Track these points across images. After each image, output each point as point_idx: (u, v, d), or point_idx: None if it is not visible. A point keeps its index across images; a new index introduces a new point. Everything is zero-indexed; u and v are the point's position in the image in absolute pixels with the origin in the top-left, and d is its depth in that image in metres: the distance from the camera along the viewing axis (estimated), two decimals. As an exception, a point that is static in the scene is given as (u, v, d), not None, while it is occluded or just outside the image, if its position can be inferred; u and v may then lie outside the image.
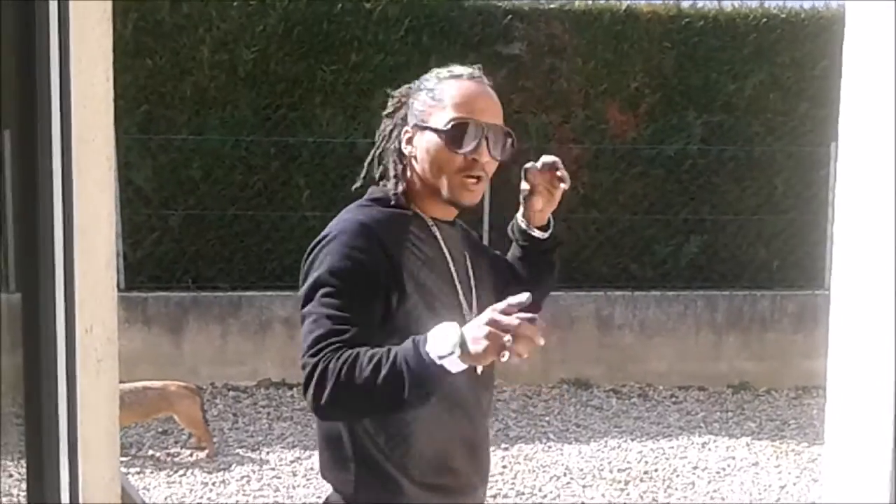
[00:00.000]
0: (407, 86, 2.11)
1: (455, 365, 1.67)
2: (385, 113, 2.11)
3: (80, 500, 1.57)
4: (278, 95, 8.09)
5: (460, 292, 2.03)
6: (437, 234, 2.04)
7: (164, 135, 7.97)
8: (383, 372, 1.70)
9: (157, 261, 7.99)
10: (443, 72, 2.05)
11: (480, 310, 1.84)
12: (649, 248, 8.56)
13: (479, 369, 1.79)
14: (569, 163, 9.21)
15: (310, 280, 1.90)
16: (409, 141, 2.02)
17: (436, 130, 1.97)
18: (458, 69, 2.06)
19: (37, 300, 1.43)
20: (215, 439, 6.33)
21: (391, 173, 2.05)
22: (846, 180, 1.72)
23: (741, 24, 8.57)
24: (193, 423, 6.13)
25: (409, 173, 2.04)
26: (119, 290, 7.48)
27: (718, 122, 8.59)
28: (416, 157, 2.01)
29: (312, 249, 1.97)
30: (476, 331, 1.65)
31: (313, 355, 1.79)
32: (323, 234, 1.99)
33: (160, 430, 6.56)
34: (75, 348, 1.51)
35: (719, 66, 8.55)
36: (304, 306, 1.89)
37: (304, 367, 1.80)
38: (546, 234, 2.29)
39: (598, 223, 8.50)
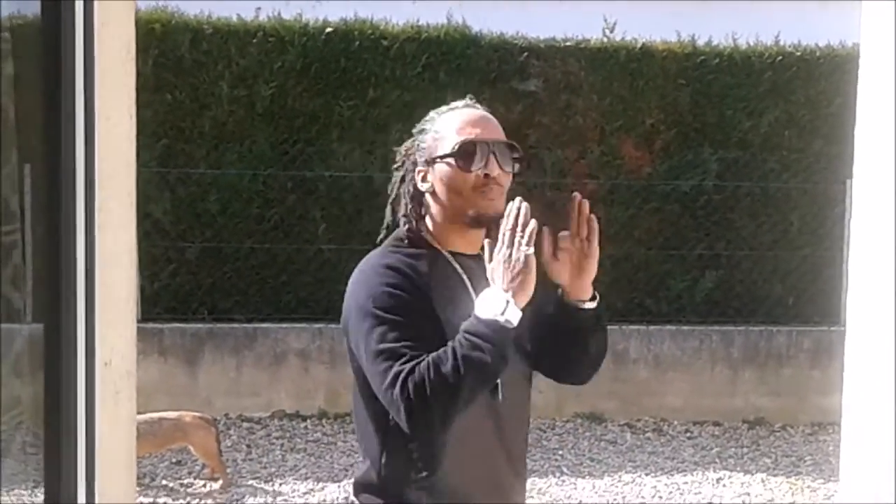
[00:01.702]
0: (410, 139, 2.20)
1: (514, 313, 1.92)
2: (394, 167, 2.22)
3: (97, 530, 1.59)
4: (296, 130, 8.16)
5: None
6: (458, 267, 2.10)
7: (183, 168, 8.04)
8: (462, 353, 1.89)
9: (174, 292, 8.04)
10: (441, 109, 2.17)
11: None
12: (664, 283, 8.56)
13: (500, 396, 2.03)
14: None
15: (353, 312, 2.06)
16: (424, 178, 2.11)
17: (446, 156, 2.08)
18: (453, 104, 2.18)
19: (58, 332, 1.46)
20: (229, 470, 6.34)
21: (404, 212, 2.14)
22: (860, 217, 1.74)
23: (756, 62, 8.60)
24: (208, 454, 6.14)
25: (426, 210, 2.13)
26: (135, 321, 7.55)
27: (734, 159, 8.60)
28: (432, 192, 2.10)
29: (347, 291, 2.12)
30: (500, 277, 1.94)
31: (402, 385, 1.91)
32: (361, 266, 2.12)
33: (174, 460, 6.57)
34: (94, 380, 1.54)
35: (734, 103, 8.58)
36: (352, 338, 2.07)
37: (393, 402, 1.92)
38: (590, 305, 2.26)
39: (614, 258, 8.50)
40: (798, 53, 8.64)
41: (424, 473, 2.03)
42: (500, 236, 1.96)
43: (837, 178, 7.96)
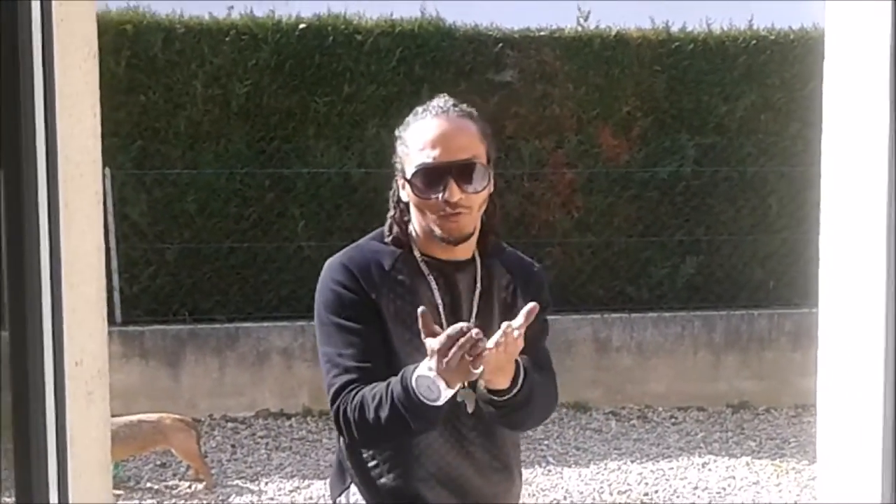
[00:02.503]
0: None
1: (443, 394, 1.84)
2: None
3: (73, 534, 1.57)
4: (272, 128, 8.13)
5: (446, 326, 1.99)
6: (427, 271, 2.08)
7: (159, 169, 8.00)
8: (386, 413, 1.89)
9: (154, 294, 8.00)
10: (417, 111, 2.09)
11: None
12: (645, 270, 8.58)
13: (470, 408, 2.05)
14: (563, 187, 9.26)
15: (317, 308, 2.09)
16: (403, 186, 2.10)
17: (407, 181, 2.04)
18: (424, 108, 2.08)
19: (24, 335, 1.44)
20: (214, 471, 6.31)
21: (391, 214, 2.14)
22: (830, 200, 1.74)
23: (731, 46, 8.62)
24: (190, 455, 6.12)
25: (409, 217, 2.12)
26: (116, 324, 7.53)
27: (711, 144, 8.63)
28: (404, 201, 2.11)
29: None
30: (434, 361, 1.81)
31: (332, 402, 1.99)
32: (328, 261, 2.15)
33: (158, 462, 6.55)
34: (64, 382, 1.52)
35: (710, 88, 8.60)
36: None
37: (331, 410, 2.01)
38: (503, 396, 2.01)
39: (594, 247, 8.52)
40: (772, 37, 8.67)
41: (376, 466, 2.10)
42: (446, 335, 1.80)
43: (814, 160, 7.96)
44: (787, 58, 8.58)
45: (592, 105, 8.49)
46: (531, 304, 1.84)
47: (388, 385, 1.91)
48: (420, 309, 1.84)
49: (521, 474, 2.28)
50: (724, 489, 6.13)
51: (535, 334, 2.15)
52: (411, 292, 2.05)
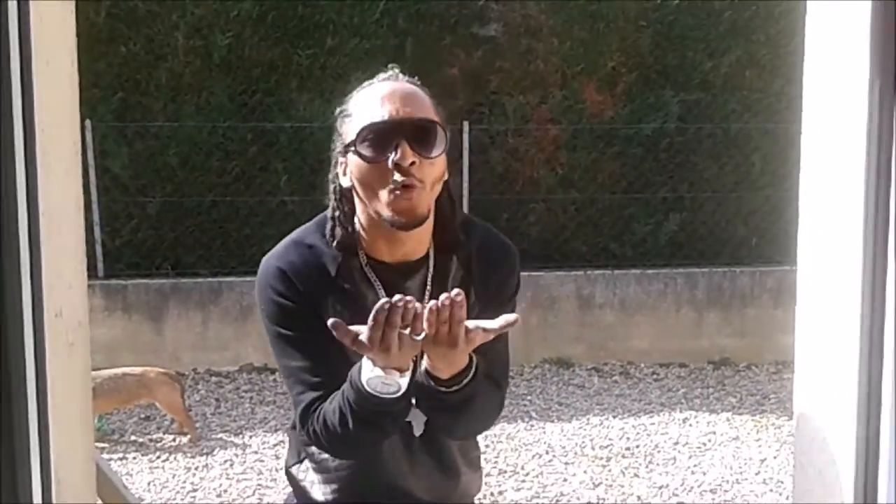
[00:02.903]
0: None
1: (400, 384, 1.66)
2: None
3: (53, 488, 1.57)
4: (254, 81, 8.06)
5: None
6: (374, 277, 1.84)
7: (140, 122, 7.93)
8: (352, 424, 1.73)
9: (136, 248, 7.97)
10: (363, 84, 1.85)
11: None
12: (629, 227, 8.59)
13: (417, 431, 1.90)
14: (547, 143, 9.23)
15: (261, 313, 1.92)
16: (345, 171, 1.81)
17: (349, 145, 1.77)
18: (376, 77, 1.85)
19: (2, 286, 1.42)
20: (198, 424, 6.34)
21: (329, 213, 1.87)
22: (810, 156, 1.74)
23: (716, 3, 8.57)
24: (173, 409, 6.14)
25: (351, 208, 1.84)
26: (98, 277, 7.51)
27: (695, 101, 8.61)
28: (355, 188, 1.79)
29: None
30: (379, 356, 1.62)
31: (302, 423, 1.86)
32: (264, 259, 1.94)
33: (143, 416, 6.56)
34: (44, 333, 1.51)
35: (695, 44, 8.56)
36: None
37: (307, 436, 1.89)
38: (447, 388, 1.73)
39: (577, 203, 8.52)
40: (758, -7, 8.63)
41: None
42: (372, 318, 1.57)
43: (798, 117, 7.98)
44: (772, 13, 8.55)
45: (577, 60, 8.44)
46: (512, 317, 1.61)
47: (342, 395, 1.73)
48: (330, 322, 1.57)
49: (479, 469, 2.15)
50: (705, 444, 6.20)
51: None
52: (356, 302, 1.81)
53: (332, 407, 1.77)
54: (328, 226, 1.85)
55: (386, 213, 1.73)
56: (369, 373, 1.66)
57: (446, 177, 1.83)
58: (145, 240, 7.98)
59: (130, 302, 7.58)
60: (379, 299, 1.62)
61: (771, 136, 8.54)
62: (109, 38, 7.74)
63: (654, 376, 7.76)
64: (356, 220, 1.83)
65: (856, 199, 1.44)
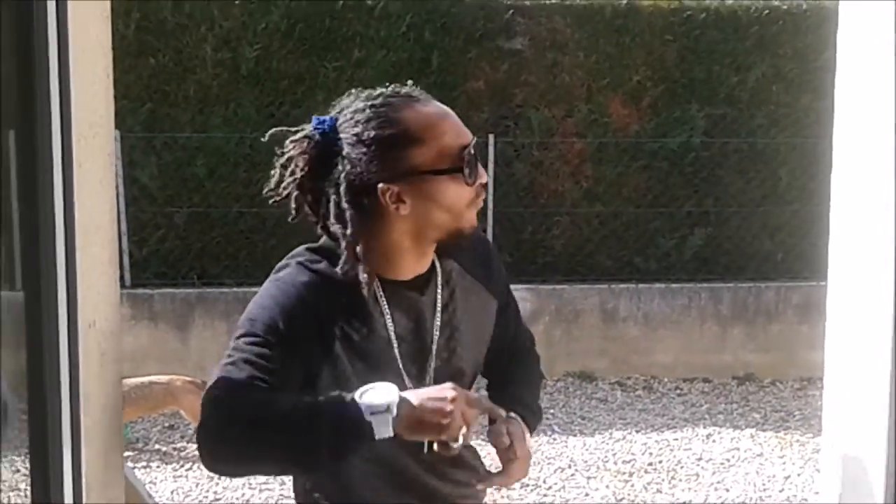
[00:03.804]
0: (303, 134, 1.83)
1: (383, 426, 1.52)
2: (300, 172, 1.80)
3: (84, 493, 1.59)
4: (281, 92, 8.11)
5: (400, 363, 1.79)
6: (382, 299, 1.78)
7: (169, 133, 7.99)
8: (301, 413, 1.55)
9: (163, 258, 8.02)
10: (378, 100, 1.75)
11: (440, 378, 1.76)
12: (653, 241, 8.57)
13: (426, 448, 1.71)
14: (572, 157, 9.23)
15: (243, 316, 1.79)
16: (396, 197, 1.71)
17: (445, 171, 1.71)
18: (399, 90, 1.79)
19: (39, 296, 1.45)
20: (222, 435, 6.35)
21: (349, 231, 1.74)
22: (842, 172, 1.74)
23: (743, 17, 8.55)
24: (199, 418, 6.15)
25: (369, 234, 1.75)
26: (125, 287, 7.55)
27: (721, 115, 8.58)
28: (402, 214, 1.73)
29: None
30: (419, 397, 1.54)
31: (224, 390, 1.62)
32: (270, 277, 1.87)
33: (167, 424, 6.60)
34: (77, 343, 1.53)
35: (722, 58, 8.54)
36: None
37: (203, 406, 1.64)
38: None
39: (602, 217, 8.51)
40: (785, 7, 8.60)
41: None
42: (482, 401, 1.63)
43: (826, 132, 7.92)
44: (799, 28, 8.52)
45: (603, 74, 8.44)
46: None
47: (309, 408, 1.58)
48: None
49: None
50: (728, 460, 6.16)
51: (509, 319, 2.01)
52: (368, 323, 1.77)
53: (287, 397, 1.60)
54: (345, 254, 1.73)
55: (468, 228, 1.76)
56: (378, 397, 1.55)
57: None
58: (172, 250, 8.03)
59: (157, 311, 7.63)
60: (386, 327, 1.73)
61: (798, 152, 8.50)
62: (139, 50, 7.82)
63: (678, 391, 7.73)
64: (378, 244, 1.76)
65: (887, 215, 1.44)
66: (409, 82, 1.81)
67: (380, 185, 1.70)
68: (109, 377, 1.73)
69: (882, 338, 1.46)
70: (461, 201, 1.73)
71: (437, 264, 1.86)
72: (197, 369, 7.16)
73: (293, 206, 1.83)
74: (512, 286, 2.07)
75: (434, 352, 1.83)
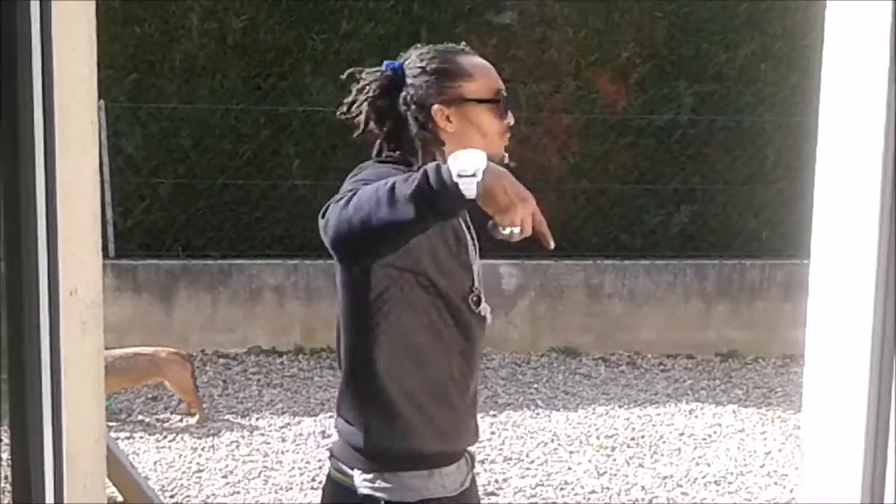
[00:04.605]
0: (377, 70, 2.16)
1: (469, 188, 1.71)
2: (373, 93, 2.14)
3: (64, 462, 1.58)
4: (268, 64, 8.06)
5: (470, 250, 2.18)
6: None
7: (154, 103, 7.94)
8: (402, 181, 1.77)
9: (147, 229, 8.00)
10: (447, 48, 2.18)
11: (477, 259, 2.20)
12: (639, 218, 8.58)
13: (485, 314, 2.16)
14: (559, 132, 9.20)
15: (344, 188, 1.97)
16: (448, 119, 2.10)
17: (484, 101, 2.12)
18: (451, 48, 2.20)
19: (19, 264, 1.44)
20: (205, 405, 6.36)
21: (413, 148, 2.12)
22: (826, 150, 1.74)
23: (732, -6, 8.54)
24: (183, 389, 6.17)
25: (440, 153, 2.08)
26: (109, 257, 7.53)
27: (709, 93, 8.58)
28: (449, 131, 2.10)
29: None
30: (500, 172, 1.75)
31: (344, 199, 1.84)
32: (350, 178, 2.07)
33: (150, 395, 6.59)
34: (59, 311, 1.52)
35: (710, 36, 8.53)
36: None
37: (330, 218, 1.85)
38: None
39: (588, 193, 8.51)
40: (774, -15, 8.59)
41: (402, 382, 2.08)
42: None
43: (812, 111, 7.94)
44: (788, 7, 8.50)
45: (591, 50, 8.42)
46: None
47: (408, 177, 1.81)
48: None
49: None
50: (710, 436, 6.20)
51: None
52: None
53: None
54: (417, 164, 2.05)
55: (497, 155, 2.07)
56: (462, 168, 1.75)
57: None
58: (157, 221, 8.00)
59: (141, 282, 7.61)
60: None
61: (784, 130, 8.51)
62: (124, 19, 7.75)
63: (661, 367, 7.76)
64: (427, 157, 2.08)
65: (871, 193, 1.44)
66: (463, 42, 2.24)
67: (434, 106, 2.10)
68: (91, 346, 1.72)
69: (863, 315, 1.46)
70: (494, 129, 2.13)
71: None
72: (181, 340, 7.16)
73: (362, 120, 2.18)
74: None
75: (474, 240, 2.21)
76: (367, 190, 1.81)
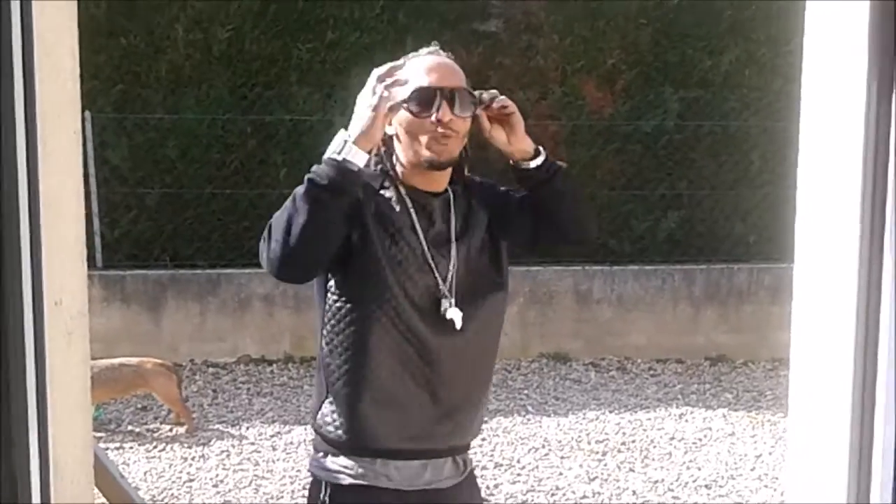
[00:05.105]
0: None
1: (355, 154, 2.03)
2: None
3: (51, 473, 1.58)
4: (254, 74, 8.06)
5: (429, 256, 2.20)
6: (409, 201, 2.21)
7: (140, 114, 7.93)
8: (303, 190, 2.04)
9: (135, 239, 7.98)
10: (409, 55, 2.26)
11: (461, 264, 2.24)
12: (627, 223, 8.60)
13: (458, 324, 2.17)
14: (546, 139, 9.24)
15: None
16: (390, 123, 2.19)
17: (402, 102, 2.16)
18: (420, 51, 2.28)
19: (2, 274, 1.43)
20: (195, 415, 6.35)
21: (376, 152, 2.23)
22: (808, 154, 1.75)
23: (716, 1, 8.58)
24: (170, 399, 6.15)
25: (394, 152, 2.24)
26: (97, 268, 7.51)
27: (695, 98, 8.62)
28: (397, 136, 2.21)
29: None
30: (357, 117, 2.06)
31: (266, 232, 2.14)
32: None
33: (140, 406, 6.58)
34: (44, 321, 1.52)
35: (695, 42, 8.57)
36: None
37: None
38: (536, 163, 2.33)
39: (576, 199, 8.52)
40: (758, -9, 8.64)
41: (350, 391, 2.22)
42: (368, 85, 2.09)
43: (796, 116, 7.98)
44: (771, 13, 8.55)
45: (577, 57, 8.45)
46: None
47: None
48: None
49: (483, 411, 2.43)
50: (700, 440, 6.21)
51: (510, 198, 2.42)
52: (396, 216, 2.19)
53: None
54: (372, 161, 2.18)
55: (426, 154, 2.16)
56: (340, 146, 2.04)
57: (468, 128, 2.24)
58: (144, 231, 7.99)
59: (129, 293, 7.59)
60: (411, 217, 2.17)
61: (769, 135, 8.55)
62: (110, 30, 7.75)
63: (651, 372, 7.78)
64: (396, 157, 2.22)
65: (853, 197, 1.45)
66: (433, 43, 2.31)
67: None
68: (77, 356, 1.72)
69: (846, 318, 1.47)
70: (418, 131, 2.15)
71: (450, 191, 2.28)
72: (169, 351, 7.15)
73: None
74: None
75: (458, 246, 2.26)
76: (277, 214, 2.07)
